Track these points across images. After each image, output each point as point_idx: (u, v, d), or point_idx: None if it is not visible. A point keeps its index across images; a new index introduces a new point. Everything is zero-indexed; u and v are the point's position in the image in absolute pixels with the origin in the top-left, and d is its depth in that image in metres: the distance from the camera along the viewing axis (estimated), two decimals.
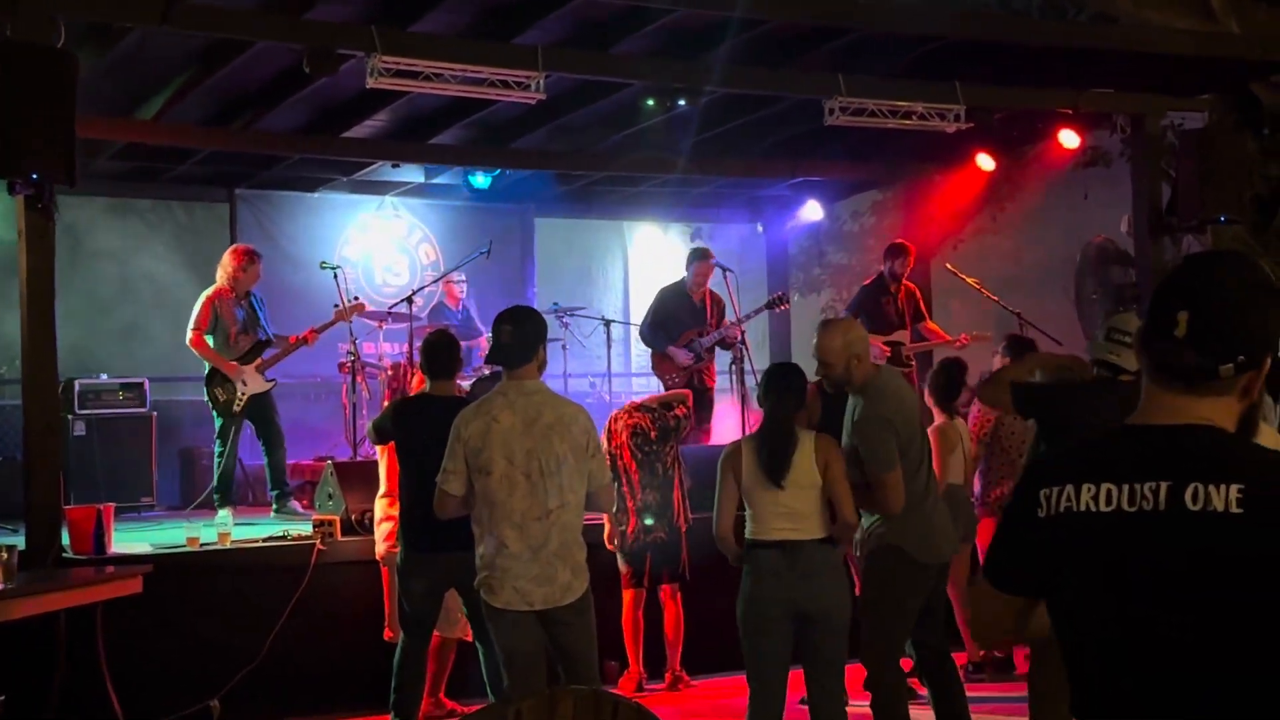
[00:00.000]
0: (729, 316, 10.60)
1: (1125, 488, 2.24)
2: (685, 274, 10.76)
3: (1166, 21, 12.05)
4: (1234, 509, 2.13)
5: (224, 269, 10.04)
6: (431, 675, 7.23)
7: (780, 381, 5.75)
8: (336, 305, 10.38)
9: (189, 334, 9.92)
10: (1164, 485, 2.20)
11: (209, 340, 9.90)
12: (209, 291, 10.03)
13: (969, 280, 11.03)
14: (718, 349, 10.60)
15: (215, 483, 9.90)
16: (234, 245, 10.39)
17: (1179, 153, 10.64)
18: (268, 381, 10.01)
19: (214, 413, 9.98)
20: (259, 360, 9.98)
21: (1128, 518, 2.23)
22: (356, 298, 10.86)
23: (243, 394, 9.85)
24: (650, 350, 10.88)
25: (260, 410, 9.98)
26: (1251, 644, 2.14)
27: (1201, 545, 2.15)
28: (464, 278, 11.89)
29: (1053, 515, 2.32)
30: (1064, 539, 2.31)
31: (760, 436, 5.67)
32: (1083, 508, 2.28)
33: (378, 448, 7.46)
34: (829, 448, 5.66)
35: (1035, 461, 2.48)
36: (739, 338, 10.53)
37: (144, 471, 10.79)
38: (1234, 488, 2.14)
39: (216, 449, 10.01)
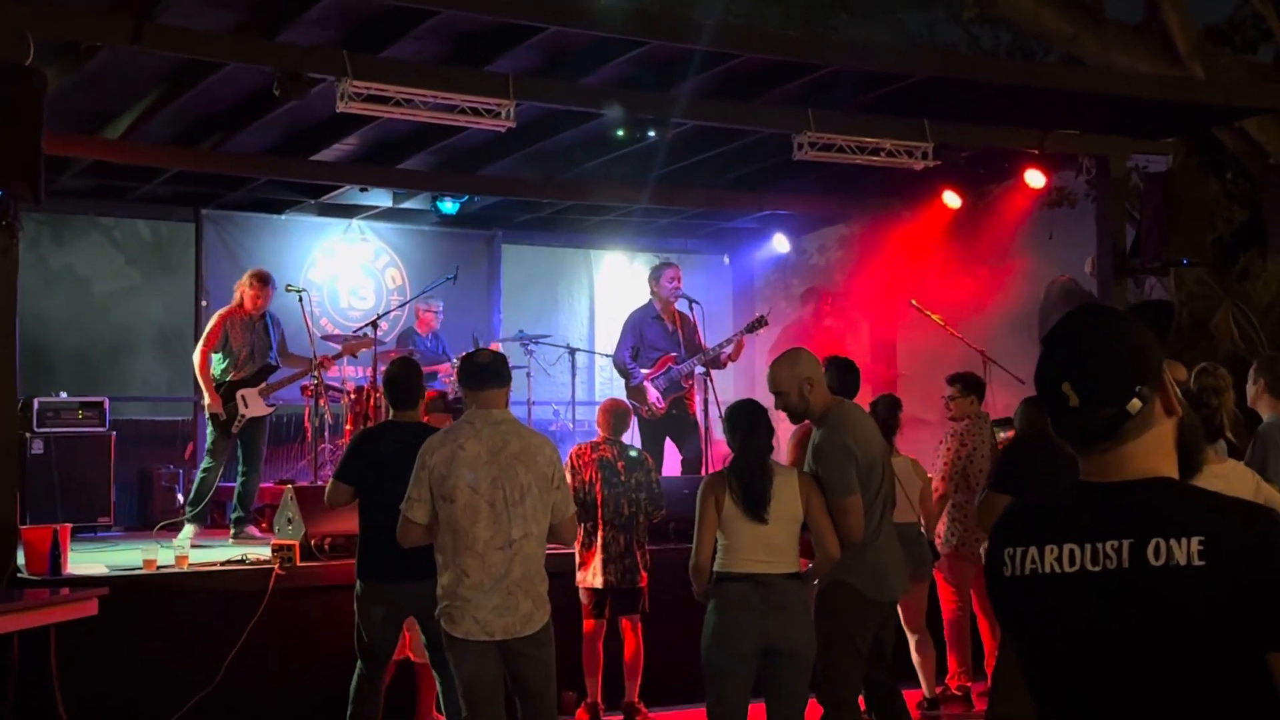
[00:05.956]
0: (708, 343, 10.56)
1: (1088, 547, 2.25)
2: (653, 291, 10.70)
3: (1133, 65, 12.20)
4: (1196, 561, 2.15)
5: (239, 289, 10.18)
6: (422, 695, 7.45)
7: (747, 419, 5.75)
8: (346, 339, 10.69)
9: (197, 350, 10.03)
10: (1126, 543, 2.21)
11: (215, 358, 9.93)
12: (223, 310, 10.15)
13: (933, 316, 11.09)
14: (698, 369, 10.47)
15: (193, 493, 9.89)
16: (252, 269, 10.48)
17: (1143, 195, 10.74)
18: (268, 406, 10.07)
19: (209, 427, 9.99)
20: (263, 384, 10.00)
21: (1092, 577, 2.24)
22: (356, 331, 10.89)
23: (243, 415, 9.87)
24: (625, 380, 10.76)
25: (252, 434, 10.02)
26: (1219, 693, 2.15)
27: (1166, 600, 2.17)
28: (439, 307, 11.87)
29: (1018, 576, 2.33)
30: (1030, 600, 2.33)
31: (735, 474, 5.67)
32: (1047, 569, 2.29)
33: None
34: (812, 485, 5.69)
35: (1000, 518, 2.47)
36: (725, 362, 10.51)
37: (102, 491, 10.70)
38: (1195, 540, 2.15)
39: (205, 463, 9.96)
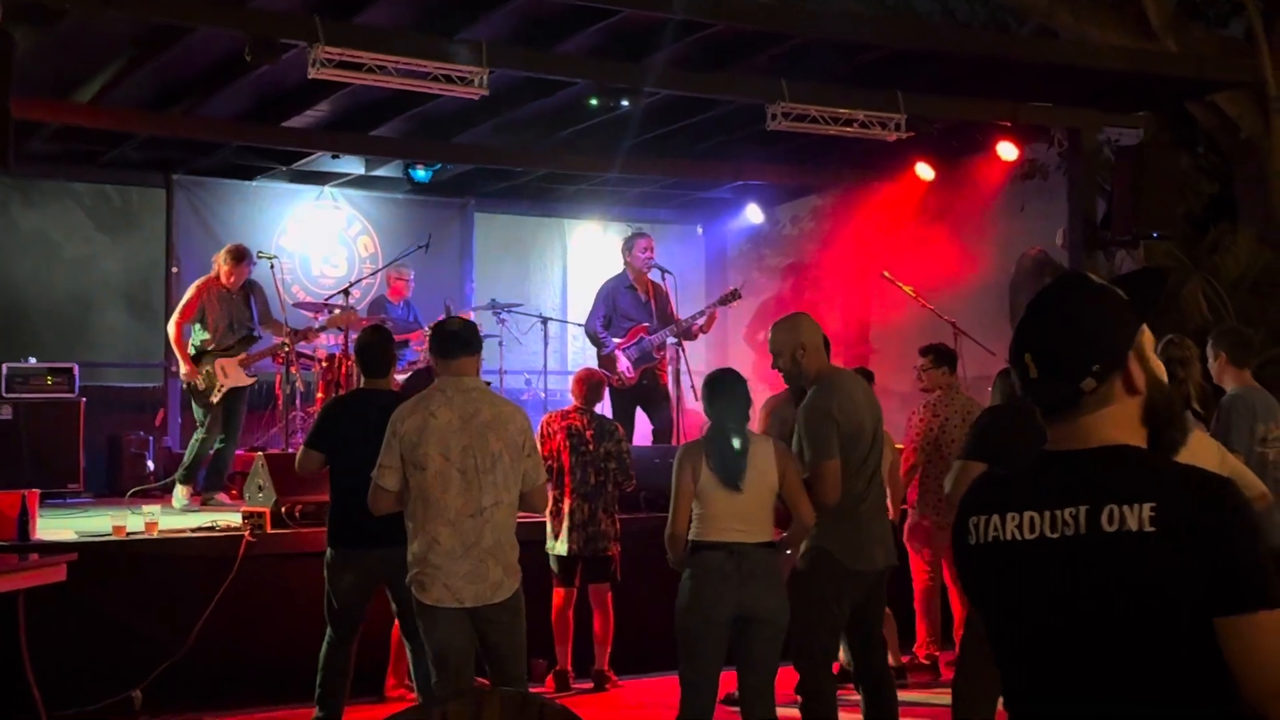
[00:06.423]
0: (682, 314, 10.55)
1: (1047, 514, 2.28)
2: (625, 261, 10.66)
3: (1106, 38, 12.21)
4: (1147, 527, 2.17)
5: (216, 261, 10.08)
6: (395, 657, 7.51)
7: (725, 387, 5.75)
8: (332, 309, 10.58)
9: (172, 319, 9.96)
10: (1083, 509, 2.24)
11: (194, 329, 9.88)
12: (201, 281, 10.04)
13: (905, 288, 11.11)
14: (669, 339, 10.46)
15: (186, 459, 9.86)
16: (228, 246, 10.28)
17: (1114, 168, 10.77)
18: (249, 377, 9.97)
19: (193, 401, 9.95)
20: (243, 355, 9.91)
21: (1050, 544, 2.27)
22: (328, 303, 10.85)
23: (222, 385, 9.78)
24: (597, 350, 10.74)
25: (232, 404, 9.95)
26: (1176, 658, 2.18)
27: (1120, 565, 2.19)
28: (411, 274, 11.84)
29: (982, 544, 2.37)
30: (993, 568, 2.36)
31: (712, 442, 5.67)
32: (1009, 537, 2.32)
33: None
34: (787, 454, 5.70)
35: (967, 488, 2.51)
36: (697, 334, 10.51)
37: (71, 458, 10.63)
38: (1147, 506, 2.18)
39: (197, 434, 9.88)
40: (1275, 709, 2.14)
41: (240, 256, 10.01)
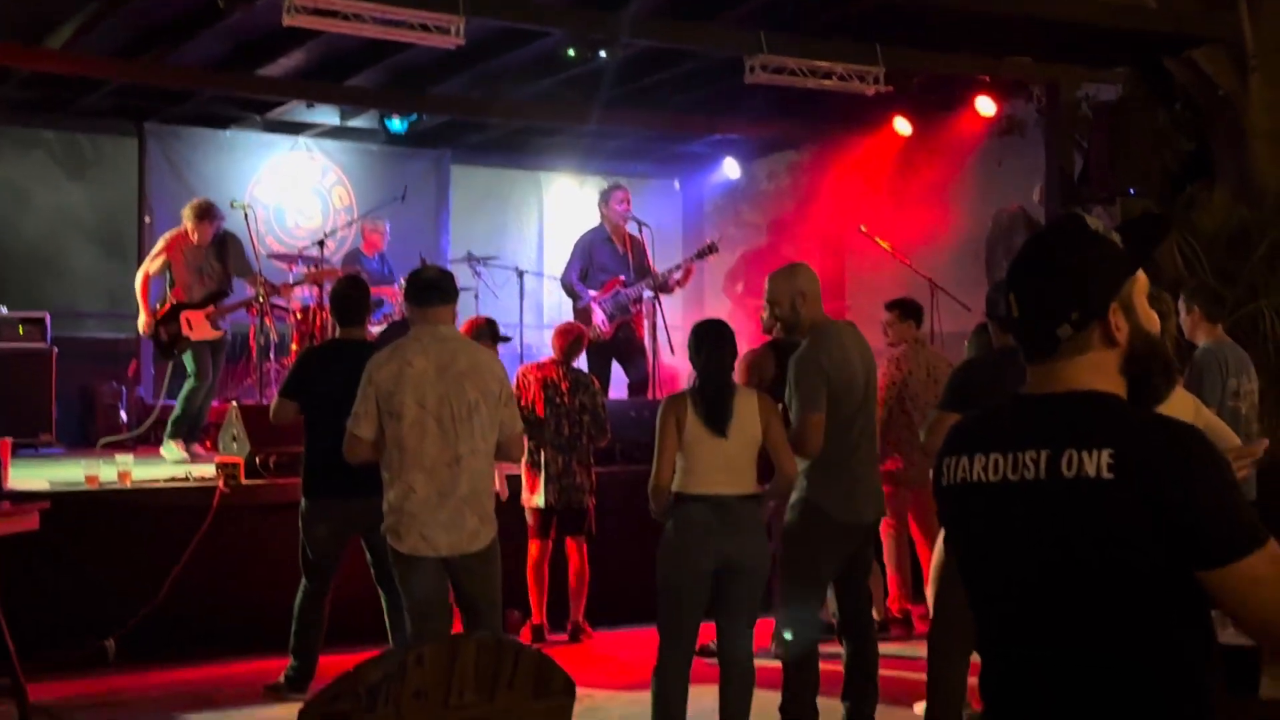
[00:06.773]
0: (658, 268, 10.50)
1: (1010, 457, 2.29)
2: (602, 214, 10.58)
3: None
4: (1105, 474, 2.16)
5: (183, 218, 9.88)
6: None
7: (713, 336, 5.72)
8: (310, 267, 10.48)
9: (140, 269, 9.84)
10: (1044, 453, 2.24)
11: (165, 281, 9.76)
12: (170, 234, 9.87)
13: (882, 243, 11.09)
14: (646, 293, 10.42)
15: (177, 411, 9.69)
16: (191, 203, 10.01)
17: (1092, 124, 10.76)
18: (215, 330, 9.80)
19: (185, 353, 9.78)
20: (211, 308, 9.78)
21: (1011, 487, 2.28)
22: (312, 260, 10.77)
23: (187, 337, 9.64)
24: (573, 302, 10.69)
25: (212, 356, 9.81)
26: (1136, 606, 2.18)
27: (1075, 511, 2.19)
28: (386, 227, 11.75)
29: (952, 485, 2.38)
30: (961, 509, 2.38)
31: (700, 390, 5.63)
32: (975, 478, 2.33)
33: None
34: (771, 406, 5.68)
35: (946, 435, 2.52)
36: (674, 287, 10.45)
37: (43, 408, 10.56)
38: (1105, 453, 2.17)
39: (188, 384, 9.68)
40: (1273, 644, 2.17)
41: (203, 213, 9.76)
